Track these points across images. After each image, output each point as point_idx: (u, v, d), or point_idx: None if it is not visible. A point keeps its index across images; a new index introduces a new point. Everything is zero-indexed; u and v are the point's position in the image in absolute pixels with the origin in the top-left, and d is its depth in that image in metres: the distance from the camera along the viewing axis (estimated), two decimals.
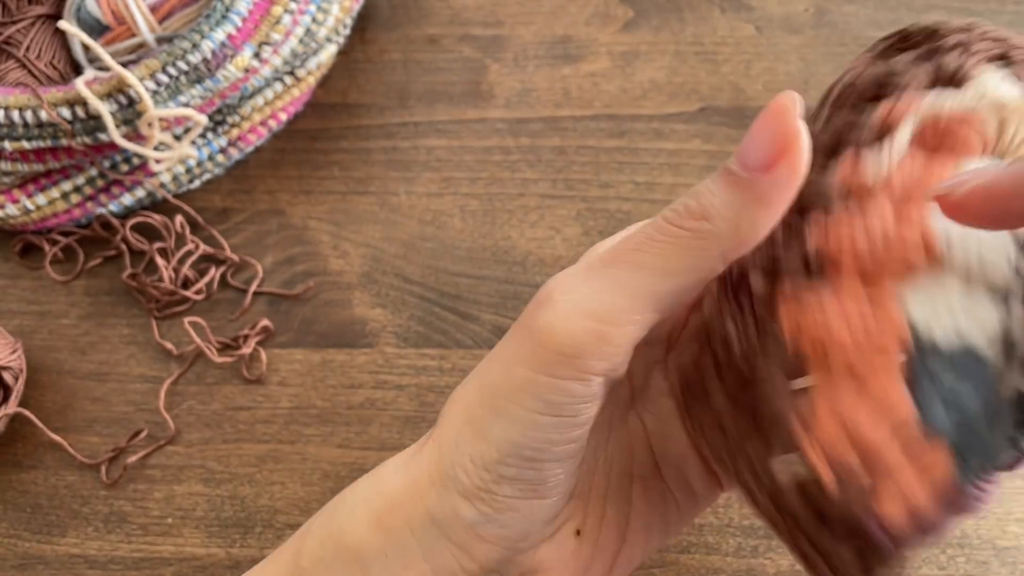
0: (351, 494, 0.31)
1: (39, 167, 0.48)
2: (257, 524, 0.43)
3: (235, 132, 0.51)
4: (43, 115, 0.45)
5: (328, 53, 0.52)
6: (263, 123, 0.52)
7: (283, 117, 0.52)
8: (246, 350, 0.47)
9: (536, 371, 0.26)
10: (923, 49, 0.27)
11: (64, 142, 0.46)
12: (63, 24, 0.47)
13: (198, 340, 0.46)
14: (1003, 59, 0.27)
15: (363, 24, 0.56)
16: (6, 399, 0.44)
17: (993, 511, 0.42)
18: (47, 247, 0.50)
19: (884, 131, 0.25)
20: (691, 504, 0.33)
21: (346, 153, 0.53)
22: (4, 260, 0.50)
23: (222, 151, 0.51)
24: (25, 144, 0.46)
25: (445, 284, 0.49)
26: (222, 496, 0.44)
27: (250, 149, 0.52)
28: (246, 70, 0.47)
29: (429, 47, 0.56)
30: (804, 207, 0.26)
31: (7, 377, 0.44)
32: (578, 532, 0.31)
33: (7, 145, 0.46)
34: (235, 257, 0.49)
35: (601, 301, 0.26)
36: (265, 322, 0.47)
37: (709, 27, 0.55)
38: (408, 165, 0.52)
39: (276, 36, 0.48)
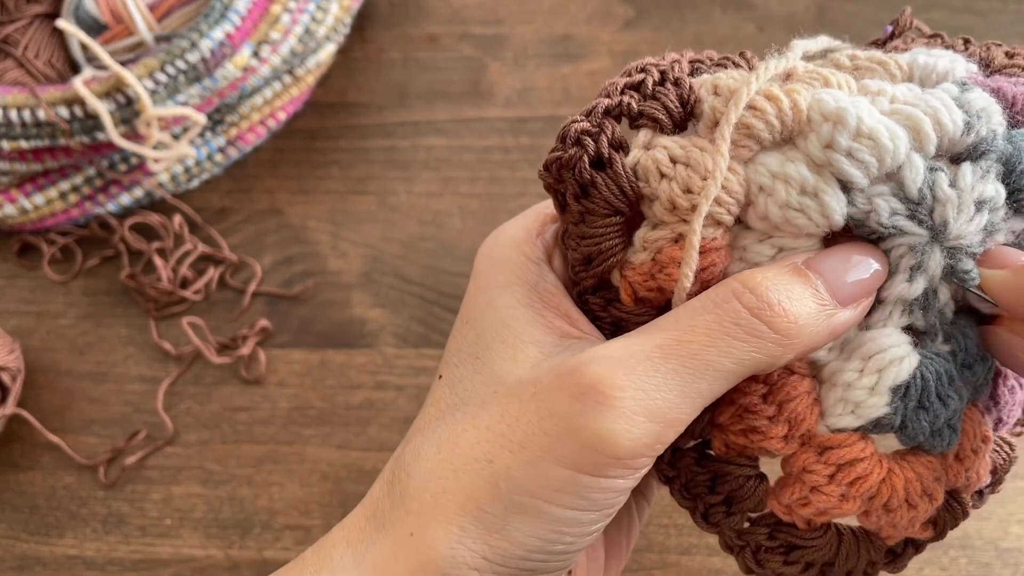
0: None
1: (37, 167, 0.47)
2: (256, 525, 0.43)
3: (234, 131, 0.51)
4: (41, 114, 0.45)
5: (327, 52, 0.52)
6: (262, 122, 0.51)
7: (282, 116, 0.52)
8: (245, 350, 0.47)
9: (580, 471, 0.25)
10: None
11: (62, 141, 0.46)
12: (61, 23, 0.47)
13: (196, 340, 0.46)
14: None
15: (362, 23, 0.56)
16: (4, 400, 0.44)
17: (995, 512, 0.42)
18: (45, 247, 0.50)
19: None
20: (644, 507, 0.34)
21: (345, 152, 0.52)
22: (2, 260, 0.50)
23: (221, 150, 0.51)
24: (23, 143, 0.46)
25: (445, 284, 0.48)
26: (220, 497, 0.44)
27: (249, 148, 0.52)
28: (245, 69, 0.47)
29: (428, 46, 0.55)
30: None
31: (5, 378, 0.44)
32: (569, 573, 0.30)
33: (5, 144, 0.46)
34: (234, 257, 0.49)
35: (667, 401, 0.24)
36: (264, 322, 0.47)
37: (710, 26, 0.55)
38: (407, 164, 0.52)
39: (275, 35, 0.48)
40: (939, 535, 0.29)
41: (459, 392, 0.28)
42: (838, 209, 0.26)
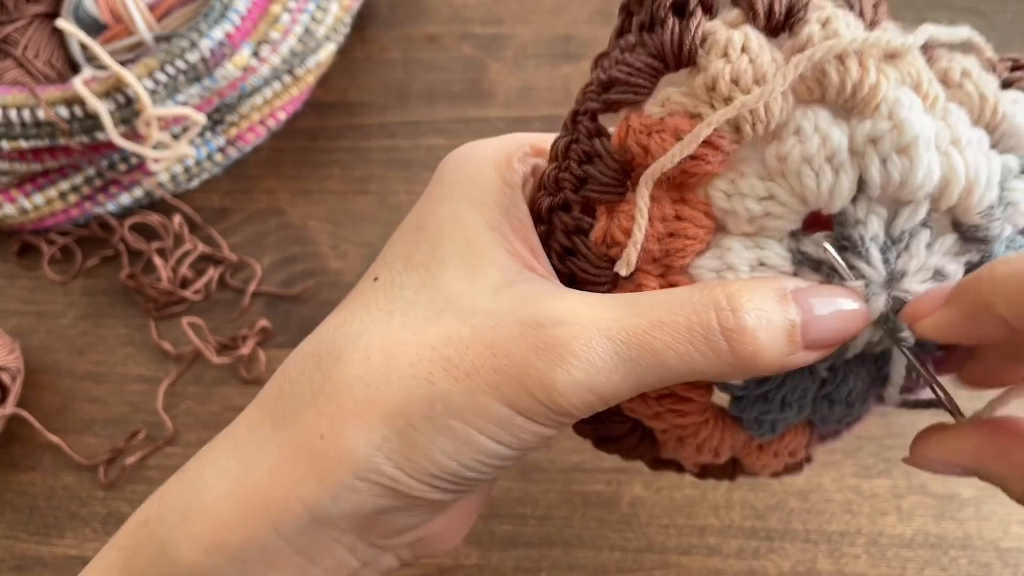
0: (174, 507, 0.27)
1: (37, 166, 0.47)
2: None
3: (234, 131, 0.51)
4: (41, 114, 0.45)
5: (327, 52, 0.52)
6: (262, 122, 0.51)
7: (282, 116, 0.52)
8: (244, 350, 0.46)
9: (517, 412, 0.25)
10: (642, 22, 0.28)
11: (62, 141, 0.46)
12: (61, 23, 0.47)
13: (196, 340, 0.46)
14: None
15: (362, 23, 0.56)
16: (4, 400, 0.44)
17: (995, 513, 0.42)
18: (45, 247, 0.50)
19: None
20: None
21: (345, 152, 0.52)
22: (2, 260, 0.50)
23: (220, 150, 0.51)
24: (23, 143, 0.46)
25: None
26: None
27: (249, 148, 0.52)
28: (244, 69, 0.47)
29: (429, 46, 0.55)
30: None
31: (4, 378, 0.44)
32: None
33: (4, 144, 0.46)
34: (233, 257, 0.49)
35: (612, 383, 0.25)
36: (264, 322, 0.47)
37: None
38: (408, 164, 0.52)
39: (275, 35, 0.48)
40: (699, 477, 0.33)
41: (396, 299, 0.27)
42: (844, 197, 0.25)
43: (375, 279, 0.28)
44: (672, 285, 0.27)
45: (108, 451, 0.45)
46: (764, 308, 0.25)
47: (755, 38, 0.26)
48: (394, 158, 0.52)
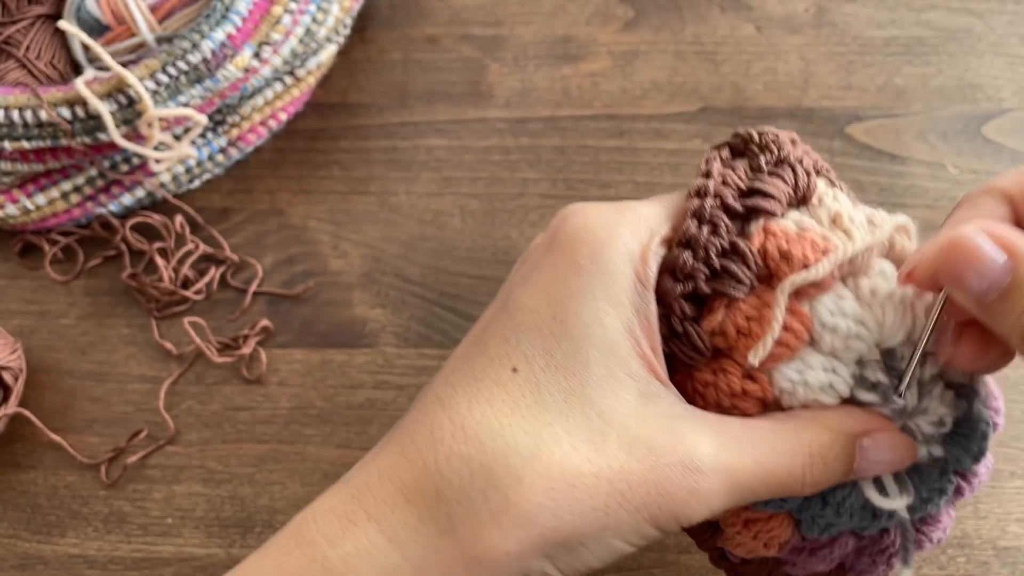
0: None
1: (39, 167, 0.48)
2: (257, 524, 0.43)
3: (235, 132, 0.51)
4: (43, 115, 0.45)
5: (328, 53, 0.52)
6: (263, 123, 0.52)
7: (283, 117, 0.52)
8: (246, 350, 0.47)
9: (660, 532, 0.30)
10: (770, 160, 0.32)
11: (64, 142, 0.46)
12: (63, 24, 0.47)
13: (198, 340, 0.46)
14: (817, 171, 0.33)
15: (363, 24, 0.56)
16: (6, 399, 0.44)
17: (993, 511, 0.42)
18: (47, 247, 0.50)
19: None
20: None
21: (346, 153, 0.53)
22: (4, 260, 0.50)
23: (222, 151, 0.51)
24: (25, 144, 0.46)
25: (445, 284, 0.49)
26: (222, 496, 0.44)
27: (250, 149, 0.52)
28: (246, 70, 0.47)
29: (429, 47, 0.56)
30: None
31: (7, 377, 0.44)
32: None
33: (7, 145, 0.46)
34: (235, 257, 0.49)
35: (720, 509, 0.30)
36: (265, 322, 0.47)
37: (709, 27, 0.55)
38: (408, 165, 0.52)
39: (276, 36, 0.48)
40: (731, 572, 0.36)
41: (547, 405, 0.29)
42: (904, 337, 0.30)
43: (514, 370, 0.29)
44: (751, 379, 0.30)
45: (110, 450, 0.45)
46: (834, 447, 0.29)
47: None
48: (394, 158, 0.52)
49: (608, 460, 0.28)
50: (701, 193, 0.31)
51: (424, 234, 0.50)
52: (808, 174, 0.32)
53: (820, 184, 0.32)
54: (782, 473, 0.29)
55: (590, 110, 0.53)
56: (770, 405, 0.31)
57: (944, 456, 0.31)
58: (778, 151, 0.32)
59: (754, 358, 0.29)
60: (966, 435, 0.31)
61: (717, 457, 0.29)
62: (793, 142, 0.33)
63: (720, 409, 0.31)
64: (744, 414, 0.30)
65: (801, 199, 0.31)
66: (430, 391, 0.31)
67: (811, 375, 0.30)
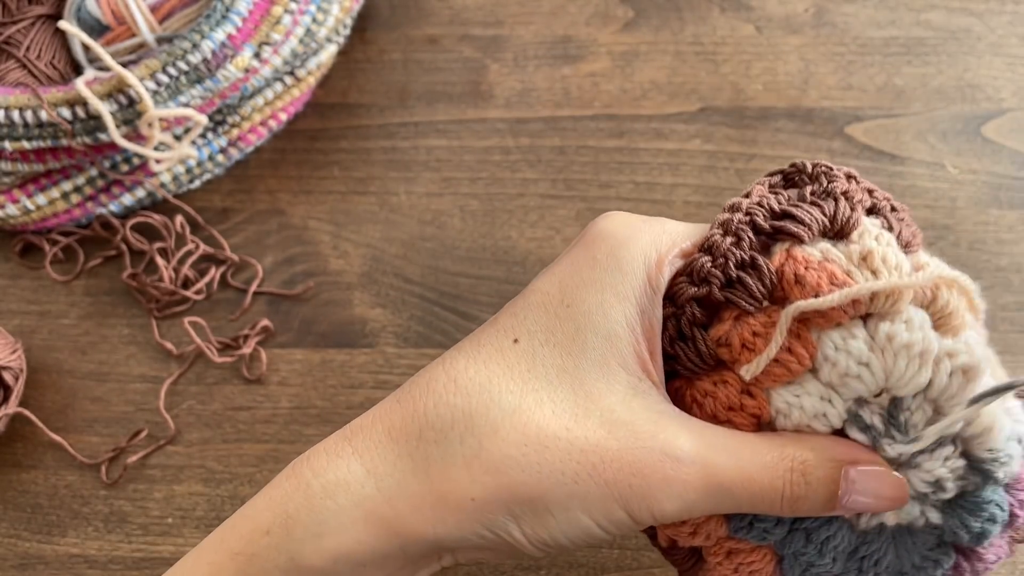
0: (305, 524, 0.30)
1: (39, 167, 0.48)
2: None
3: (235, 132, 0.51)
4: (43, 115, 0.45)
5: (328, 53, 0.52)
6: (263, 123, 0.52)
7: (283, 117, 0.52)
8: (246, 350, 0.47)
9: (632, 519, 0.30)
10: (817, 191, 0.32)
11: (64, 142, 0.46)
12: (63, 24, 0.47)
13: (198, 340, 0.46)
14: (873, 211, 0.33)
15: (363, 24, 0.56)
16: (6, 399, 0.44)
17: None
18: (47, 247, 0.50)
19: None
20: None
21: (346, 153, 0.53)
22: (4, 260, 0.50)
23: (222, 151, 0.51)
24: (25, 144, 0.46)
25: (445, 284, 0.49)
26: (222, 496, 0.44)
27: (250, 149, 0.52)
28: (246, 70, 0.47)
29: (429, 47, 0.56)
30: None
31: (7, 377, 0.44)
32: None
33: (7, 145, 0.46)
34: (235, 257, 0.49)
35: (699, 511, 0.30)
36: (265, 322, 0.48)
37: (709, 27, 0.55)
38: (408, 165, 0.52)
39: (276, 36, 0.48)
40: None
41: (539, 376, 0.30)
42: (915, 389, 0.29)
43: (515, 340, 0.31)
44: (750, 395, 0.30)
45: (110, 450, 0.45)
46: (821, 472, 0.29)
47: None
48: (394, 159, 0.52)
49: (586, 433, 0.29)
50: (733, 208, 0.32)
51: (424, 234, 0.50)
52: (852, 209, 0.31)
53: (867, 222, 0.32)
54: (762, 482, 0.29)
55: (590, 110, 0.53)
56: (764, 425, 0.31)
57: (941, 525, 0.30)
58: (827, 183, 0.32)
59: (747, 372, 0.30)
60: (969, 510, 0.30)
61: (697, 451, 0.29)
62: (849, 177, 0.33)
63: (715, 421, 0.31)
64: (737, 430, 0.31)
65: (838, 232, 0.31)
66: (440, 357, 0.33)
67: (807, 400, 0.30)
